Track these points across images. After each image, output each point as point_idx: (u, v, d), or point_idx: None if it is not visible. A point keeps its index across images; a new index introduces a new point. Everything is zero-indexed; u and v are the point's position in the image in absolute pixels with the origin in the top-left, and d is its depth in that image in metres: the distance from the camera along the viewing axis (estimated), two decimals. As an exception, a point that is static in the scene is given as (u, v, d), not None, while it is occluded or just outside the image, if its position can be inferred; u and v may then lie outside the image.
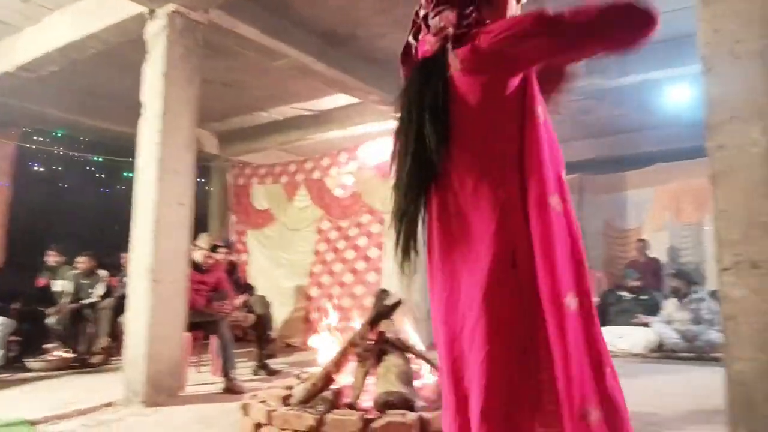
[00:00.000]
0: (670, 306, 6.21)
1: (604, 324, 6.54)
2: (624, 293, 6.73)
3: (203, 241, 4.68)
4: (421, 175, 1.46)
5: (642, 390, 4.15)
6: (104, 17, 4.68)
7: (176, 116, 4.24)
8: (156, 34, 4.33)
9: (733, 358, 2.26)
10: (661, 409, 3.52)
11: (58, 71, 5.66)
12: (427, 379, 3.10)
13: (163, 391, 3.88)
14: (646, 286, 6.99)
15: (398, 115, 1.52)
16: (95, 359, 5.62)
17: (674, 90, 6.83)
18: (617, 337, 6.12)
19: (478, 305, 1.30)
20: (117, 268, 6.59)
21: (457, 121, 1.39)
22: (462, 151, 1.39)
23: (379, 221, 7.04)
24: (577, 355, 1.24)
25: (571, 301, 1.25)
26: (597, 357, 1.28)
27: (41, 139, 7.92)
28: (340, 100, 7.45)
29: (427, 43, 1.53)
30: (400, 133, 1.51)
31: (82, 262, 6.28)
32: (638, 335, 6.05)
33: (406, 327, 3.56)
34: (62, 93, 6.98)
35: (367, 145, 7.37)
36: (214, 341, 4.58)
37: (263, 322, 5.18)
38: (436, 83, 1.41)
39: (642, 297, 6.64)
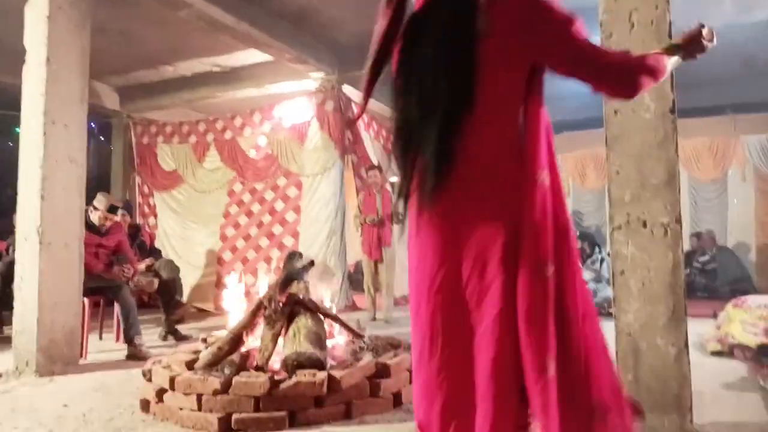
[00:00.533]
0: None
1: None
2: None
3: (100, 201, 4.35)
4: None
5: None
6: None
7: (64, 65, 3.87)
8: (38, -27, 3.89)
9: (622, 310, 2.43)
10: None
11: None
12: (338, 339, 3.11)
13: (58, 360, 3.65)
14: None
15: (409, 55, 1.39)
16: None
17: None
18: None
19: (495, 269, 1.25)
20: (10, 232, 6.05)
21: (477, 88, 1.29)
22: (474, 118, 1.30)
23: (296, 185, 6.89)
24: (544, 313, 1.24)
25: (550, 269, 1.25)
26: (566, 313, 1.27)
27: None
28: (253, 56, 7.11)
29: None
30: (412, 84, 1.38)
31: None
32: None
33: (319, 288, 3.54)
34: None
35: (283, 105, 7.14)
36: (116, 307, 4.33)
37: (170, 286, 4.96)
38: (466, 47, 1.28)
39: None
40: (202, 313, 6.62)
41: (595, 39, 5.83)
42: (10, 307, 5.64)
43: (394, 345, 3.18)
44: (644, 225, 2.40)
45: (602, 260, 6.35)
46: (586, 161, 9.20)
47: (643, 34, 2.48)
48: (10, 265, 5.19)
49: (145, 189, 7.84)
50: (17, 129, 7.36)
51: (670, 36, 2.45)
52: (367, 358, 2.79)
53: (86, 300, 4.11)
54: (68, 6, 3.92)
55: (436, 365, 1.30)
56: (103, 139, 8.98)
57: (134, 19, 6.04)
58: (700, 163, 8.45)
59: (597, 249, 6.54)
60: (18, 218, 3.77)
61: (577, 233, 6.69)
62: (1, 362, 3.90)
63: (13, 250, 5.95)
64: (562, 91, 8.81)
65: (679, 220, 2.38)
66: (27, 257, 3.66)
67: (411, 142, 1.36)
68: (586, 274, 6.42)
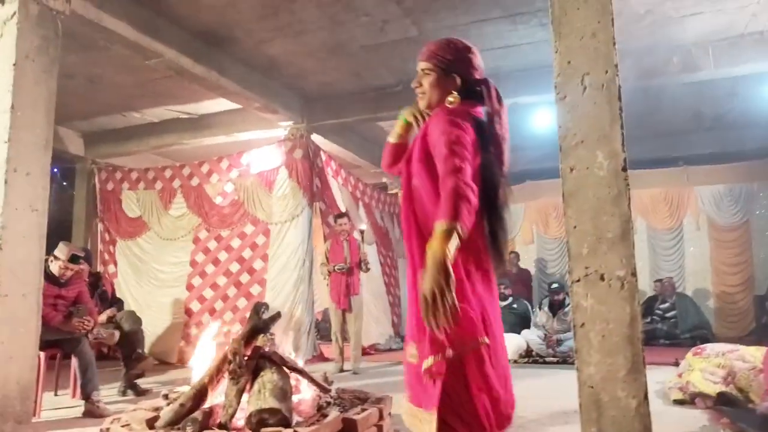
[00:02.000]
0: (541, 315, 6.66)
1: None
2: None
3: (61, 251, 4.25)
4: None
5: (509, 393, 4.42)
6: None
7: (29, 112, 3.83)
8: (6, 20, 3.88)
9: (583, 362, 2.48)
10: (526, 411, 3.77)
11: None
12: (304, 393, 3.06)
13: (10, 418, 3.46)
14: (517, 294, 7.46)
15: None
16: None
17: (540, 114, 7.42)
18: (490, 344, 6.47)
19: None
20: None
21: None
22: None
23: (264, 232, 6.87)
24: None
25: None
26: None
27: None
28: (221, 104, 7.20)
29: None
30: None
31: None
32: (509, 341, 6.42)
33: (284, 341, 3.49)
34: None
35: (251, 153, 7.19)
36: (73, 361, 4.18)
37: (132, 338, 4.82)
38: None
39: (514, 306, 7.07)
40: (164, 366, 6.42)
41: (549, 98, 6.03)
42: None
43: (361, 398, 3.15)
44: (602, 278, 2.49)
45: None
46: (549, 210, 9.46)
47: (595, 97, 2.64)
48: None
49: (107, 236, 7.68)
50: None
51: (619, 98, 2.61)
52: (334, 414, 2.75)
53: (42, 354, 3.96)
54: (36, 53, 3.92)
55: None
56: (66, 184, 8.81)
57: (102, 65, 6.08)
58: (657, 212, 8.80)
59: (568, 299, 6.65)
60: (-26, 269, 3.64)
61: (557, 285, 6.77)
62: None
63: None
64: (525, 141, 9.17)
65: (634, 273, 2.48)
66: (-20, 309, 3.52)
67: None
68: (555, 325, 6.51)
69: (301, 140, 7.04)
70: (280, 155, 7.01)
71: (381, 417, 2.92)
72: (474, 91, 1.81)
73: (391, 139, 1.97)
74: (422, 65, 1.85)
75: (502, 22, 5.32)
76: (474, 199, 1.49)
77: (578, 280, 2.52)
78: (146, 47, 4.98)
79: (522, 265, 9.06)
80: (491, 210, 1.71)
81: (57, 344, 4.20)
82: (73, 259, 4.26)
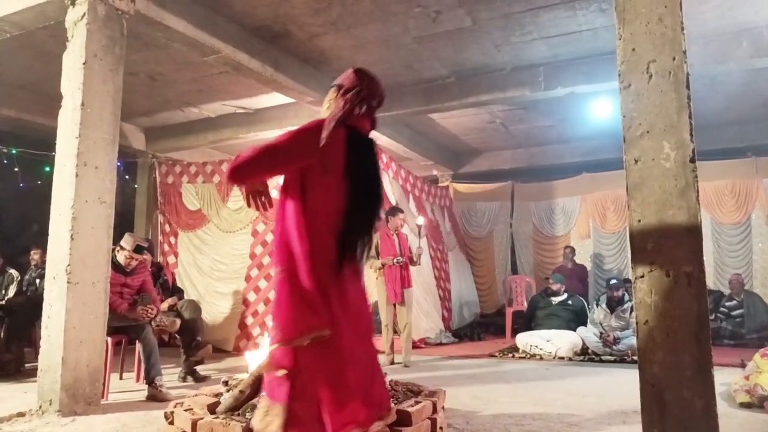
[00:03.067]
0: (599, 312, 6.47)
1: (532, 328, 6.78)
2: (552, 298, 6.98)
3: (126, 241, 4.45)
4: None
5: (565, 392, 4.33)
6: (19, 0, 4.38)
7: (97, 109, 4.02)
8: (76, 21, 4.09)
9: (646, 360, 2.40)
10: (582, 410, 3.68)
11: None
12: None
13: (81, 399, 3.67)
14: (572, 291, 7.28)
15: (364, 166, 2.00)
16: (7, 365, 5.24)
17: (599, 103, 7.18)
18: (544, 341, 6.34)
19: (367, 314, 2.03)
20: (36, 266, 6.20)
21: None
22: None
23: (316, 224, 6.95)
24: None
25: None
26: None
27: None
28: (275, 99, 7.33)
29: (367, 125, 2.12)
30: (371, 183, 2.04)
31: None
32: (564, 339, 6.29)
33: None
34: (-28, 79, 6.50)
35: (303, 146, 7.27)
36: (138, 347, 4.37)
37: (191, 326, 4.99)
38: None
39: (569, 302, 6.90)
40: (221, 354, 6.62)
41: (607, 86, 5.80)
42: (30, 344, 5.76)
43: (414, 391, 3.15)
44: (667, 274, 2.39)
45: (632, 308, 6.23)
46: (606, 203, 9.16)
47: (661, 85, 2.52)
48: (35, 301, 5.33)
49: (167, 228, 7.97)
50: (46, 168, 7.63)
51: (687, 86, 2.49)
52: (388, 405, 2.77)
53: (109, 339, 4.16)
54: (103, 53, 4.11)
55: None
56: (128, 177, 9.19)
57: (163, 62, 6.30)
58: (723, 206, 8.37)
59: (628, 297, 6.43)
60: (48, 257, 3.85)
61: (615, 281, 6.56)
62: (22, 399, 3.96)
63: (31, 284, 6.08)
64: (581, 132, 8.90)
65: (702, 269, 2.37)
66: (55, 295, 3.73)
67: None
68: (613, 322, 6.31)
69: (353, 133, 7.06)
70: (332, 149, 7.06)
71: (434, 410, 2.92)
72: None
73: None
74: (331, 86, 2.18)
75: (559, 9, 5.17)
76: (232, 172, 1.92)
77: (642, 276, 2.43)
78: (204, 44, 5.11)
79: (577, 260, 8.82)
80: (357, 215, 1.92)
81: (123, 330, 4.40)
82: (138, 249, 4.45)
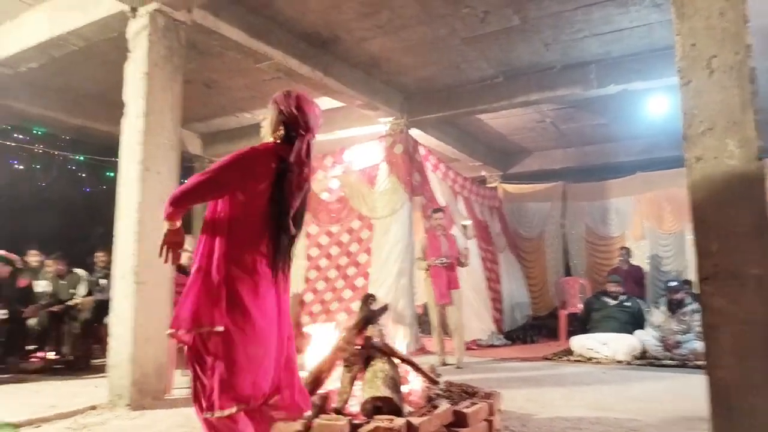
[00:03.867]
0: (658, 315, 6.27)
1: (587, 330, 6.63)
2: (608, 300, 6.80)
3: (189, 243, 4.62)
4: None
5: (625, 396, 4.23)
6: (85, 14, 4.63)
7: (159, 116, 4.21)
8: (138, 32, 4.30)
9: (714, 366, 2.32)
10: (642, 415, 3.59)
11: (37, 68, 5.58)
12: (413, 384, 3.12)
13: (148, 394, 3.85)
14: (629, 293, 7.07)
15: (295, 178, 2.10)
16: (76, 361, 5.54)
17: (653, 101, 6.97)
18: (601, 344, 6.19)
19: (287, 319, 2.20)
20: (103, 267, 6.51)
21: None
22: None
23: (368, 226, 7.05)
24: None
25: None
26: None
27: (21, 136, 7.79)
28: (324, 103, 7.44)
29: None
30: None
31: (49, 265, 6.22)
32: (622, 342, 6.12)
33: (390, 332, 3.58)
34: (42, 90, 6.89)
35: (353, 149, 7.38)
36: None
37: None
38: None
39: (626, 304, 6.71)
40: (276, 351, 6.78)
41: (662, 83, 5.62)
42: (98, 340, 6.06)
43: (469, 392, 3.16)
44: (734, 277, 2.31)
45: (694, 311, 6.01)
46: (662, 203, 8.86)
47: (723, 80, 2.44)
48: (101, 300, 5.61)
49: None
50: (109, 173, 8.02)
51: (752, 81, 2.40)
52: (444, 406, 2.79)
53: (173, 337, 4.34)
54: (163, 62, 4.30)
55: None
56: (184, 182, 9.54)
57: (218, 70, 6.51)
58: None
59: (690, 299, 6.20)
60: (115, 258, 4.06)
61: (674, 283, 6.35)
62: (92, 394, 4.17)
63: (97, 285, 6.36)
64: (635, 130, 8.64)
65: (772, 271, 2.28)
66: (122, 295, 3.93)
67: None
68: (673, 325, 6.10)
69: (401, 135, 7.12)
70: (381, 151, 7.14)
71: (491, 412, 2.91)
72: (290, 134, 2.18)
73: None
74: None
75: (611, 6, 5.05)
76: (178, 195, 2.05)
77: (707, 279, 2.36)
78: (257, 51, 5.26)
79: (633, 261, 8.57)
80: (276, 227, 2.06)
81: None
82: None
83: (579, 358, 6.22)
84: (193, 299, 1.97)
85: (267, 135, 2.21)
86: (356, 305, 6.50)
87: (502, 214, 9.69)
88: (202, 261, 2.04)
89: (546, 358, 6.36)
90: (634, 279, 8.11)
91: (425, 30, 5.53)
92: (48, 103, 7.11)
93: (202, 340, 1.97)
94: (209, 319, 1.94)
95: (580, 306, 7.72)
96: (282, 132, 2.17)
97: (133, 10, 4.27)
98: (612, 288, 6.78)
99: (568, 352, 6.53)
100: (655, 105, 7.03)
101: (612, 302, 6.72)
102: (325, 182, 7.49)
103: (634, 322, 6.46)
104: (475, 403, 2.88)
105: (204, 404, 1.99)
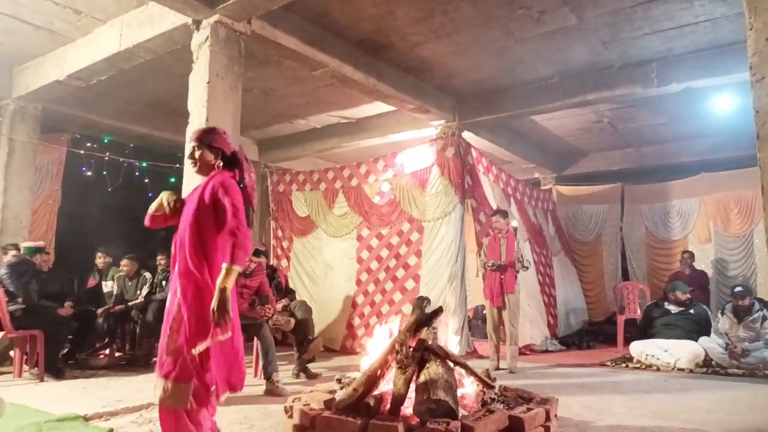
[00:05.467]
0: (724, 322, 5.98)
1: (647, 337, 6.39)
2: (671, 306, 6.53)
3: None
4: None
5: (688, 406, 4.07)
6: (151, 28, 4.87)
7: (220, 124, 4.35)
8: (200, 44, 4.49)
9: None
10: (707, 425, 3.44)
11: (105, 79, 5.91)
12: (468, 388, 3.11)
13: (207, 391, 3.98)
14: (693, 299, 6.77)
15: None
16: (139, 358, 5.81)
17: (719, 98, 6.67)
18: (662, 350, 5.96)
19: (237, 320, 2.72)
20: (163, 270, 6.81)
21: None
22: None
23: (417, 229, 7.06)
24: None
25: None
26: None
27: (90, 144, 8.23)
28: (376, 108, 7.54)
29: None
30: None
31: (125, 264, 6.50)
32: (684, 349, 5.87)
33: (442, 335, 3.58)
34: (110, 100, 7.27)
35: (404, 153, 7.42)
36: (256, 344, 4.68)
37: (303, 326, 5.26)
38: None
39: (690, 311, 6.42)
40: (329, 353, 6.90)
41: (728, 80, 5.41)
42: (158, 340, 6.32)
43: (525, 398, 3.12)
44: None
45: (764, 318, 5.70)
46: (729, 204, 8.45)
47: (800, 77, 2.33)
48: (161, 303, 5.84)
49: (280, 233, 8.45)
50: (172, 179, 8.36)
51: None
52: (499, 411, 2.77)
53: (231, 336, 4.48)
54: (224, 72, 4.47)
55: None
56: (242, 186, 9.82)
57: (274, 78, 6.69)
58: None
59: (758, 306, 5.89)
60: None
61: (740, 288, 6.05)
62: (150, 389, 4.33)
63: (158, 285, 6.63)
64: (699, 129, 8.31)
65: None
66: (185, 296, 4.09)
67: None
68: (742, 332, 5.80)
69: (453, 138, 7.10)
70: (433, 154, 7.13)
71: (548, 418, 2.87)
72: (229, 159, 2.69)
73: (151, 211, 2.80)
74: (192, 143, 2.71)
75: (673, 1, 4.88)
76: (249, 244, 2.49)
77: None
78: (313, 59, 5.38)
79: (697, 265, 8.22)
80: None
81: (243, 328, 4.70)
82: (256, 252, 4.78)
83: (638, 365, 6.01)
84: (207, 314, 2.41)
85: (202, 167, 2.69)
86: (406, 308, 6.58)
87: (557, 216, 9.49)
88: (199, 275, 2.46)
89: (603, 365, 6.18)
90: (698, 284, 7.77)
91: (479, 32, 5.51)
92: (116, 113, 7.51)
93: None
94: (225, 330, 2.44)
95: (639, 312, 7.46)
96: (221, 162, 2.68)
97: (196, 22, 4.47)
98: (679, 296, 6.48)
99: (627, 358, 6.33)
100: (720, 103, 6.73)
101: (675, 309, 6.45)
102: (376, 186, 7.56)
103: (700, 330, 6.16)
104: (532, 409, 2.84)
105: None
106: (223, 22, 4.45)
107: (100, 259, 6.89)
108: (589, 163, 10.11)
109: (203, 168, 2.70)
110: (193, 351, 2.39)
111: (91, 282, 6.77)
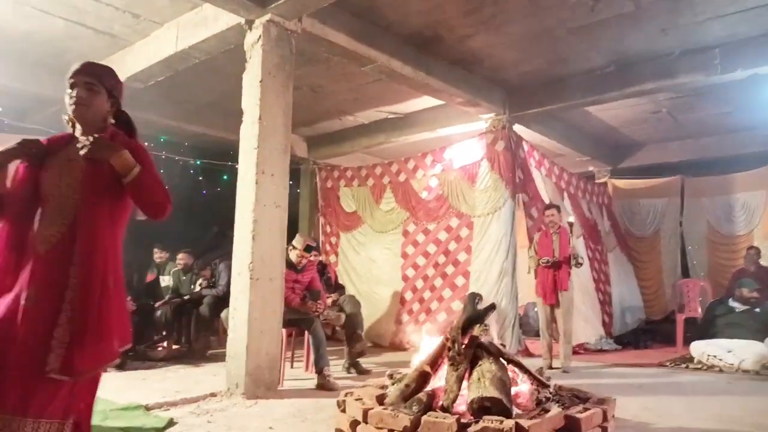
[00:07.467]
0: None
1: (709, 336, 6.11)
2: (736, 304, 6.21)
3: (298, 241, 4.87)
4: None
5: (755, 409, 3.87)
6: (206, 29, 4.99)
7: (272, 122, 4.45)
8: (253, 43, 4.56)
9: None
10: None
11: (162, 80, 6.09)
12: (522, 386, 3.06)
13: (262, 384, 4.08)
14: (759, 297, 6.43)
15: None
16: (195, 351, 5.99)
17: (790, 85, 6.28)
18: (725, 351, 5.69)
19: None
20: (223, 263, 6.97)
21: None
22: None
23: (467, 225, 6.99)
24: None
25: None
26: None
27: (147, 144, 8.53)
28: (425, 102, 7.49)
29: None
30: None
31: (181, 258, 6.70)
32: (749, 349, 5.59)
33: (493, 332, 3.53)
34: (166, 101, 7.50)
35: (453, 147, 7.34)
36: (307, 338, 4.75)
37: (353, 320, 5.31)
38: None
39: (756, 310, 6.09)
40: (378, 348, 6.93)
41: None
42: (214, 332, 6.51)
43: (581, 397, 3.04)
44: None
45: None
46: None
47: None
48: (217, 295, 6.02)
49: (328, 228, 8.54)
50: (224, 176, 8.58)
51: None
52: (555, 410, 2.70)
53: (284, 330, 4.57)
54: (276, 71, 4.54)
55: None
56: (291, 183, 9.99)
57: (323, 76, 6.74)
58: None
59: None
60: (234, 256, 4.35)
61: None
62: (211, 381, 4.49)
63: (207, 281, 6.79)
64: (761, 119, 7.88)
65: None
66: (239, 290, 4.20)
67: None
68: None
69: (503, 131, 6.98)
70: (482, 148, 7.04)
71: (605, 419, 2.78)
72: (122, 119, 2.09)
73: None
74: (88, 79, 1.97)
75: (738, -17, 4.63)
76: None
77: None
78: (362, 55, 5.39)
79: (763, 262, 7.79)
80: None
81: (294, 323, 4.81)
82: (308, 248, 4.84)
83: (699, 366, 5.76)
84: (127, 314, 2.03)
85: (91, 115, 1.99)
86: (456, 304, 6.52)
87: (612, 211, 9.19)
88: (118, 272, 1.95)
89: (661, 365, 5.96)
90: (764, 282, 7.37)
91: (530, 23, 5.37)
92: (171, 112, 7.74)
93: None
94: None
95: (700, 311, 7.14)
96: (111, 111, 2.07)
97: (249, 22, 4.55)
98: (745, 294, 6.16)
99: (687, 358, 6.08)
100: (790, 90, 6.34)
101: (740, 307, 6.13)
102: (424, 181, 7.53)
103: (766, 330, 5.85)
104: (588, 409, 2.76)
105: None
106: (274, 21, 4.51)
107: (157, 255, 7.14)
108: (646, 155, 9.72)
109: (91, 116, 1.97)
110: None
111: (150, 276, 7.02)
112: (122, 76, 5.90)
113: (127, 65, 5.92)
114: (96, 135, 1.88)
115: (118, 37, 5.76)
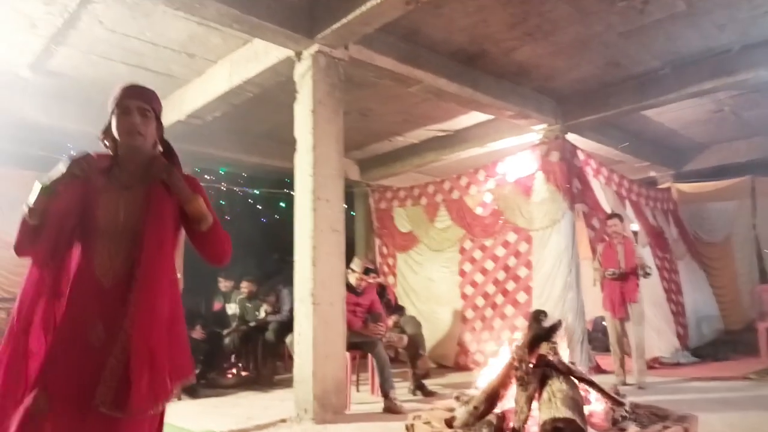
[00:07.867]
0: None
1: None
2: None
3: (356, 264, 4.92)
4: None
5: None
6: (258, 63, 5.18)
7: (325, 149, 4.55)
8: (303, 74, 4.70)
9: None
10: None
11: (219, 115, 6.34)
12: (595, 405, 2.93)
13: (329, 409, 4.10)
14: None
15: None
16: (263, 377, 6.10)
17: None
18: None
19: None
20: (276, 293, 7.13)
21: None
22: None
23: (525, 239, 6.85)
24: None
25: None
26: None
27: (208, 177, 8.88)
28: (474, 118, 7.46)
29: None
30: None
31: (245, 286, 6.87)
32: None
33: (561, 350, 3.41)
34: (223, 134, 7.79)
35: (506, 161, 7.25)
36: (371, 361, 4.75)
37: (414, 341, 5.28)
38: None
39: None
40: (441, 369, 6.84)
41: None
42: (280, 358, 6.61)
43: (659, 415, 2.88)
44: None
45: None
46: None
47: None
48: (281, 322, 6.12)
49: (384, 250, 8.57)
50: (281, 203, 8.80)
51: None
52: (632, 429, 2.58)
53: (347, 354, 4.60)
54: (326, 98, 4.65)
55: None
56: (346, 206, 10.14)
57: (372, 99, 6.84)
58: None
59: None
60: (295, 282, 4.43)
61: None
62: (281, 407, 4.55)
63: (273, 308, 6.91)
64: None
65: None
66: (303, 316, 4.26)
67: None
68: None
69: (556, 142, 6.84)
70: (536, 160, 6.91)
71: (688, 437, 2.63)
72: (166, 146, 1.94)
73: (34, 220, 1.68)
74: (142, 104, 1.82)
75: (800, -29, 4.40)
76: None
77: None
78: (408, 76, 5.45)
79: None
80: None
81: (357, 346, 4.83)
82: (367, 271, 4.88)
83: (789, 378, 5.38)
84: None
85: (148, 145, 1.86)
86: (520, 322, 6.37)
87: (678, 217, 8.78)
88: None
89: (746, 378, 5.60)
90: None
91: (578, 30, 5.29)
92: (229, 145, 8.03)
93: None
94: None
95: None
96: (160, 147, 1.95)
97: (298, 54, 4.69)
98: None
99: (775, 370, 5.69)
100: None
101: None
102: (479, 197, 7.45)
103: None
104: (668, 427, 2.62)
105: None
106: (322, 51, 4.64)
107: (222, 284, 7.36)
108: (710, 157, 9.28)
109: (147, 146, 1.85)
110: None
111: (217, 305, 7.23)
112: (181, 114, 6.26)
113: (185, 103, 6.21)
114: (172, 167, 1.83)
115: (176, 77, 6.05)
